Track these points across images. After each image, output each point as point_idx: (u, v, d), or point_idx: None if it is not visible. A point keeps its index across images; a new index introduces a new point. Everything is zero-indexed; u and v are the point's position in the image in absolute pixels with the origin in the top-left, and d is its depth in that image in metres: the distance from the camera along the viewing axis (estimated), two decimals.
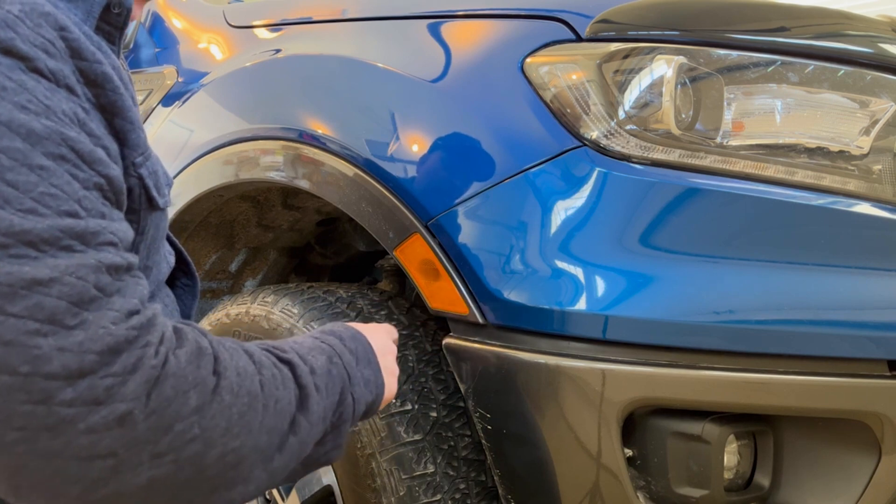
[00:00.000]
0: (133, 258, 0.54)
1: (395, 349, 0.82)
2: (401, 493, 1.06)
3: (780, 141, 0.97)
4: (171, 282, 0.78)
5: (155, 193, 0.64)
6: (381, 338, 0.79)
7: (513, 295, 0.95)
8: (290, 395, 0.60)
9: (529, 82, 0.98)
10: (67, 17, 0.56)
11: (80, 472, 0.48)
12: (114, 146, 0.57)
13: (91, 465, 0.48)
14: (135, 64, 1.64)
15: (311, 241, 1.62)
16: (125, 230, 0.55)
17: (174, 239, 0.80)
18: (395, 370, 0.80)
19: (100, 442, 0.48)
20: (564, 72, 0.97)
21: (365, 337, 0.76)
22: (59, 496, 0.49)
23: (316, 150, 1.16)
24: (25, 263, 0.47)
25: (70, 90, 0.53)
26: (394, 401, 1.10)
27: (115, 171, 0.55)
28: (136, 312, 0.51)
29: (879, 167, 0.97)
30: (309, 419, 0.62)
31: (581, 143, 0.95)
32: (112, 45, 0.65)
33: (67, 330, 0.47)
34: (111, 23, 0.64)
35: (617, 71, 0.96)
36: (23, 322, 0.46)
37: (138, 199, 0.63)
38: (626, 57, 0.96)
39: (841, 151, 0.97)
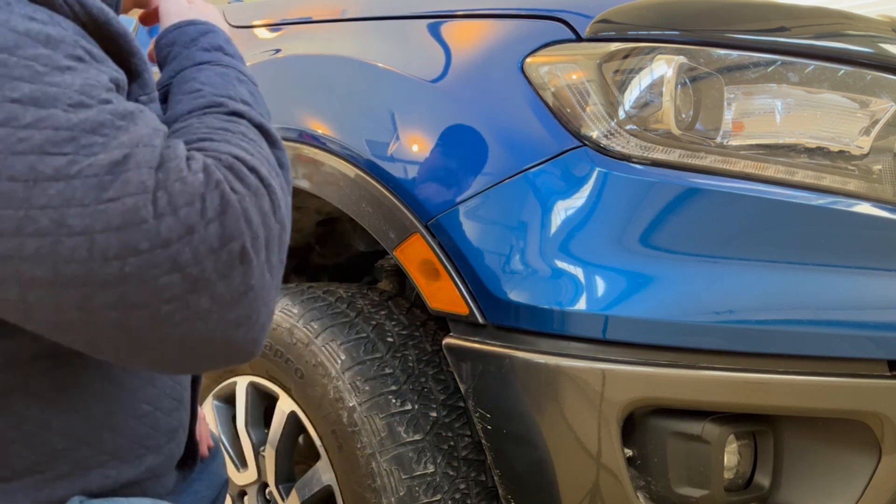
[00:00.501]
0: (166, 127, 0.57)
1: (214, 10, 0.83)
2: (401, 494, 1.06)
3: (780, 141, 0.97)
4: None
5: None
6: (209, 11, 0.81)
7: (513, 295, 0.95)
8: (262, 139, 0.64)
9: (529, 82, 0.98)
10: None
11: (237, 318, 0.53)
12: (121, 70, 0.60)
13: (239, 306, 0.52)
14: None
15: (310, 241, 1.62)
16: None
17: None
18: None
19: (233, 283, 0.52)
20: (564, 72, 0.97)
21: (228, 36, 0.77)
22: (231, 343, 0.54)
23: (316, 150, 1.16)
24: (98, 151, 0.49)
25: (71, 19, 0.56)
26: (394, 401, 1.11)
27: (120, 73, 0.58)
28: (191, 157, 0.54)
29: (879, 167, 0.97)
30: (276, 143, 0.65)
31: (581, 143, 0.95)
32: None
33: (155, 194, 0.49)
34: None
35: (617, 71, 0.96)
36: (121, 203, 0.48)
37: None
38: (626, 57, 0.96)
39: (841, 151, 0.97)
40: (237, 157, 0.57)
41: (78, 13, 0.56)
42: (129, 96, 0.62)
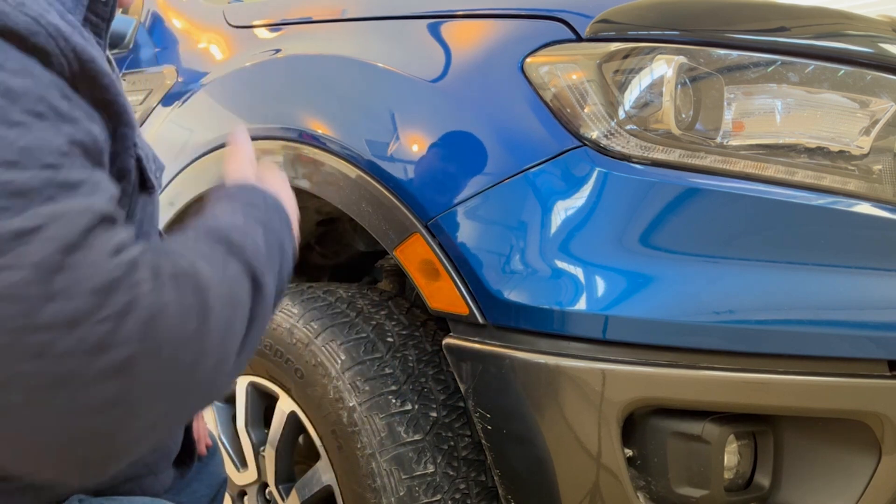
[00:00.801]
0: (119, 211, 0.53)
1: (292, 194, 0.80)
2: (401, 494, 1.06)
3: (780, 141, 0.97)
4: None
5: (151, 175, 0.64)
6: (284, 189, 0.78)
7: (513, 295, 0.95)
8: (247, 286, 0.60)
9: (529, 82, 0.98)
10: (52, 5, 0.56)
11: (92, 431, 0.47)
12: (100, 121, 0.57)
13: (98, 418, 0.47)
14: (135, 64, 1.64)
15: (310, 241, 1.62)
16: (110, 184, 0.54)
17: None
18: (297, 215, 0.79)
19: (107, 391, 0.46)
20: (564, 72, 0.97)
21: (277, 198, 0.74)
22: (74, 459, 0.49)
23: (316, 151, 1.16)
24: (12, 215, 0.46)
25: (49, 64, 0.53)
26: (394, 401, 1.11)
27: (98, 131, 0.55)
28: (123, 249, 0.50)
29: (879, 167, 0.97)
30: (259, 290, 0.62)
31: (581, 143, 0.95)
32: (99, 37, 0.65)
33: (54, 275, 0.45)
34: (98, 14, 0.65)
35: (617, 71, 0.96)
36: (9, 274, 0.45)
37: (133, 181, 0.62)
38: (626, 57, 0.96)
39: (841, 151, 0.97)
40: (190, 271, 0.53)
41: (71, 61, 0.54)
42: (125, 140, 0.60)
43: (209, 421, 1.39)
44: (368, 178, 1.09)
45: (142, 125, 1.53)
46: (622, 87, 0.96)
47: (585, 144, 0.95)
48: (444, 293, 1.02)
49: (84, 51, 0.56)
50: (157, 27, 1.66)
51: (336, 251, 1.66)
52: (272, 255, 0.65)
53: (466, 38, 1.09)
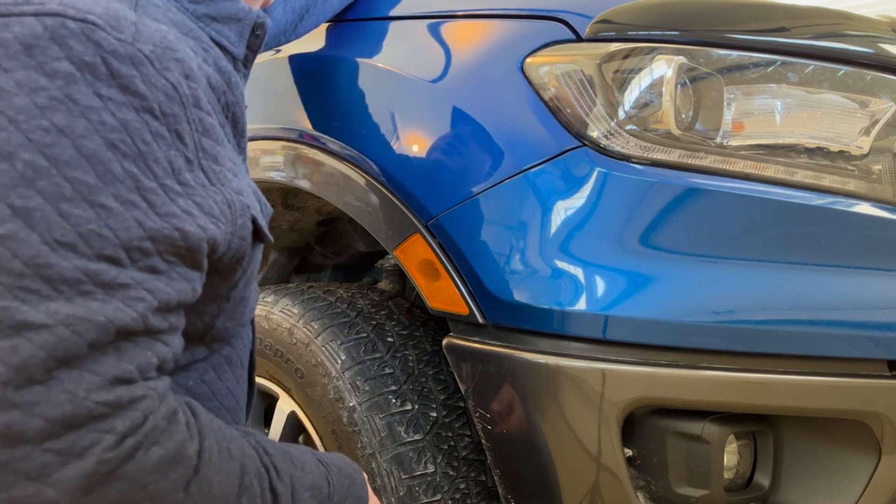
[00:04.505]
0: (161, 322, 0.48)
1: None
2: (401, 493, 1.07)
3: (780, 141, 0.97)
4: None
5: (264, 229, 0.62)
6: None
7: (513, 295, 0.95)
8: (268, 494, 0.56)
9: (529, 82, 0.98)
10: (205, 51, 0.55)
11: None
12: (216, 196, 0.53)
13: None
14: None
15: (311, 241, 1.62)
16: (173, 290, 0.49)
17: None
18: None
19: None
20: (564, 72, 0.97)
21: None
22: None
23: (316, 151, 1.16)
24: (28, 302, 0.42)
25: (179, 137, 0.49)
26: (394, 401, 1.11)
27: (193, 227, 0.50)
28: (125, 382, 0.45)
29: (879, 167, 0.98)
30: None
31: (581, 143, 0.95)
32: (246, 69, 0.66)
33: (29, 385, 0.41)
34: (250, 46, 0.65)
35: (617, 71, 0.96)
36: None
37: (249, 241, 0.59)
38: (626, 57, 0.96)
39: (841, 151, 0.97)
40: (198, 466, 0.48)
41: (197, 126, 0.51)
42: (243, 209, 0.57)
43: None
44: (369, 178, 1.09)
45: None
46: (622, 87, 0.96)
47: (585, 144, 0.95)
48: (444, 293, 1.02)
49: (211, 126, 0.52)
50: None
51: (336, 251, 1.66)
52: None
53: (466, 38, 1.09)
